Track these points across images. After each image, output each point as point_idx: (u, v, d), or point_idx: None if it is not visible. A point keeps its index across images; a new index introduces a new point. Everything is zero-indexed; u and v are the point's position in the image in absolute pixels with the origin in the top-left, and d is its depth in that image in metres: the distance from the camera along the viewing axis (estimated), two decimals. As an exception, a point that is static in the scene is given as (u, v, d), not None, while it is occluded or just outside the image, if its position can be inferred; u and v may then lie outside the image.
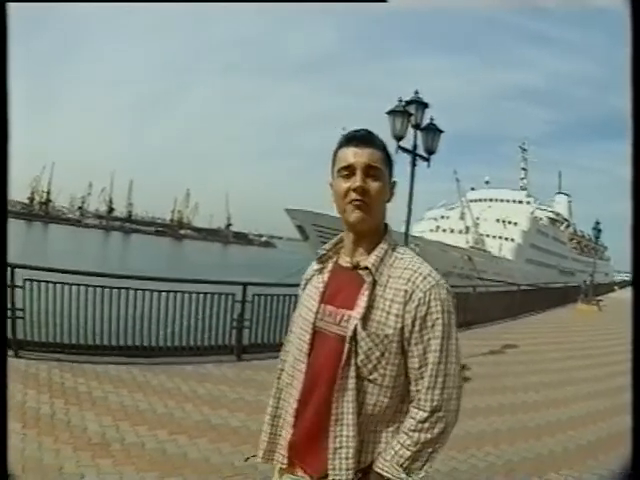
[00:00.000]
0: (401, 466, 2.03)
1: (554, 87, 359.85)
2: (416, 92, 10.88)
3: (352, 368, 2.07)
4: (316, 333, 2.21)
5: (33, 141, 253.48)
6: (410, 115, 10.59)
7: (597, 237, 45.41)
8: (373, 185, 2.11)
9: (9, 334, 8.55)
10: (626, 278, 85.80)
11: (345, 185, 2.12)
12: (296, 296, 2.64)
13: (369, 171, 2.11)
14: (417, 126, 10.80)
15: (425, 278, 2.09)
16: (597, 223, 42.78)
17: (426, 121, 11.01)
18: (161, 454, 5.45)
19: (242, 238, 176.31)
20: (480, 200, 71.80)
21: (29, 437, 5.54)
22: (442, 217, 67.63)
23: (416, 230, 60.79)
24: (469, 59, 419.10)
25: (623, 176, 1.86)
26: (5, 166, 1.87)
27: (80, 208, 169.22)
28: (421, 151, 10.99)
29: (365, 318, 2.07)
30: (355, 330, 2.06)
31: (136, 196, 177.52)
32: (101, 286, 9.19)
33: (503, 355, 13.17)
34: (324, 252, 2.34)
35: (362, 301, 2.09)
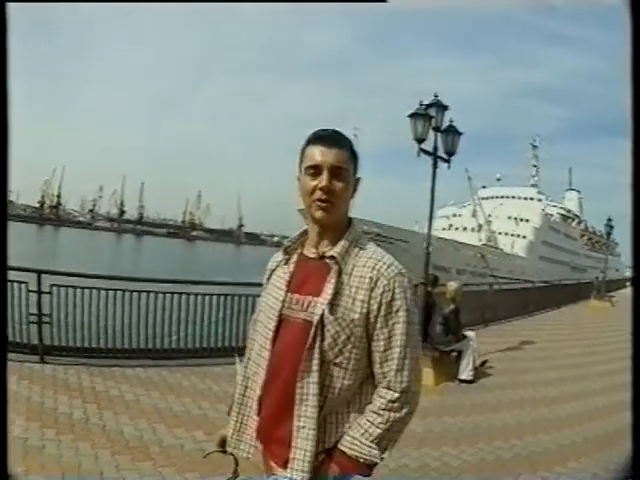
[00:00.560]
0: (372, 442, 2.14)
1: (565, 84, 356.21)
2: (435, 95, 11.04)
3: (317, 351, 2.14)
4: (282, 321, 2.28)
5: (44, 145, 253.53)
6: (431, 118, 10.74)
7: (609, 233, 45.21)
8: (338, 185, 2.19)
9: (36, 340, 8.68)
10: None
11: (312, 183, 2.20)
12: None
13: (335, 171, 2.19)
14: (437, 128, 10.92)
15: (389, 267, 2.20)
16: (609, 220, 42.66)
17: (446, 123, 11.14)
18: (201, 454, 5.14)
19: (254, 238, 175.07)
20: (492, 198, 71.79)
21: (65, 443, 5.53)
22: (454, 215, 67.72)
23: (429, 228, 61.23)
24: (480, 58, 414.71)
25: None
26: (5, 167, 1.85)
27: (91, 211, 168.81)
28: (441, 152, 11.08)
29: (332, 304, 2.15)
30: (322, 315, 2.14)
31: (147, 198, 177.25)
32: (125, 290, 9.23)
33: (521, 351, 13.38)
34: (289, 244, 2.42)
35: (329, 288, 2.17)
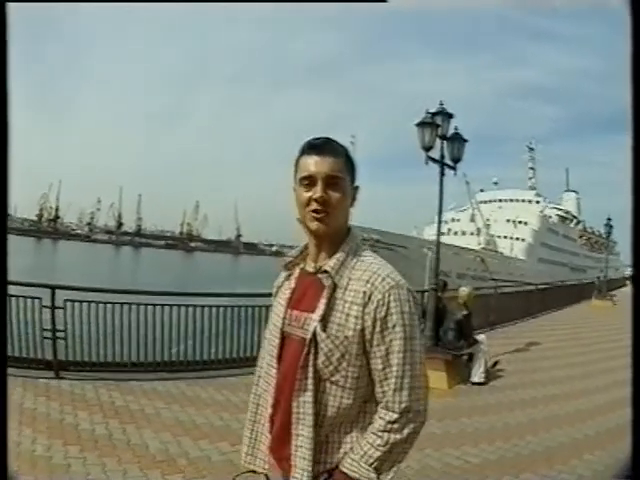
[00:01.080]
0: (370, 466, 2.06)
1: (560, 84, 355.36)
2: (441, 103, 11.27)
3: (311, 369, 2.09)
4: (285, 338, 2.24)
5: (41, 158, 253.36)
6: (438, 126, 10.94)
7: (609, 233, 45.43)
8: (334, 195, 2.13)
9: (50, 355, 8.65)
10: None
11: (306, 195, 2.14)
12: None
13: (330, 180, 2.13)
14: (443, 136, 11.11)
15: (384, 279, 2.11)
16: (608, 219, 42.94)
17: (451, 131, 11.32)
18: (229, 465, 5.43)
19: (252, 248, 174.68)
20: (490, 201, 72.15)
21: (90, 460, 5.49)
22: (453, 220, 67.34)
23: (428, 234, 60.99)
24: (475, 59, 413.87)
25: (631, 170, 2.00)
26: (5, 177, 1.89)
27: (89, 224, 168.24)
28: (445, 159, 11.23)
29: (325, 320, 2.09)
30: (315, 332, 2.09)
31: (145, 210, 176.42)
32: (136, 303, 9.24)
33: (528, 352, 13.61)
34: (290, 259, 2.38)
35: (322, 303, 2.11)
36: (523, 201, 73.47)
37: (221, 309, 9.92)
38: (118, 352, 9.25)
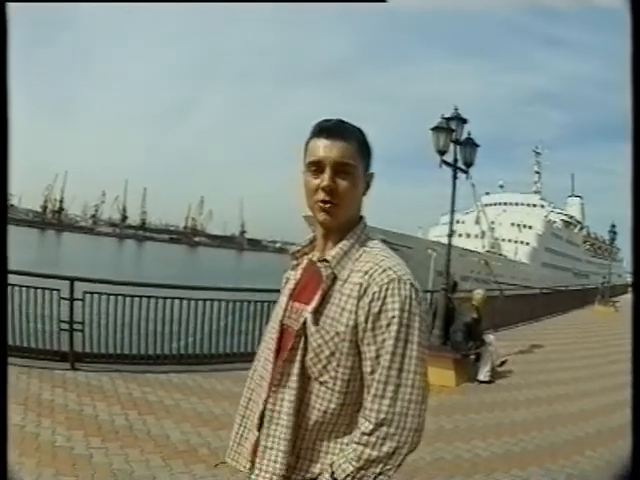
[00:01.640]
0: (345, 478, 1.84)
1: (567, 89, 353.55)
2: (455, 108, 11.52)
3: (297, 365, 1.95)
4: (284, 331, 2.09)
5: (46, 150, 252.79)
6: (452, 131, 11.21)
7: (613, 239, 45.56)
8: (342, 184, 1.96)
9: (64, 347, 8.73)
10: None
11: (314, 182, 1.98)
12: None
13: (339, 168, 1.96)
14: (456, 141, 11.37)
15: (384, 271, 1.89)
16: (613, 226, 43.03)
17: (464, 135, 11.59)
18: None
19: (256, 245, 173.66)
20: (495, 204, 72.06)
21: (112, 450, 5.55)
22: (458, 222, 66.17)
23: (433, 235, 61.06)
24: (483, 63, 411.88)
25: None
26: (5, 170, 1.85)
27: (93, 216, 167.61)
28: (456, 163, 11.51)
29: (319, 313, 1.94)
30: (305, 325, 1.96)
31: (150, 204, 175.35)
32: (154, 296, 9.28)
33: (532, 354, 13.89)
34: (298, 248, 2.25)
35: (317, 295, 1.96)
36: (528, 205, 73.40)
37: (230, 303, 9.97)
38: (135, 344, 9.27)
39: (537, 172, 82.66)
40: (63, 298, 8.65)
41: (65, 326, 8.69)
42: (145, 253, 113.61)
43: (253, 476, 1.99)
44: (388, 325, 1.83)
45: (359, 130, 2.07)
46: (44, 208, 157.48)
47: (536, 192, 78.73)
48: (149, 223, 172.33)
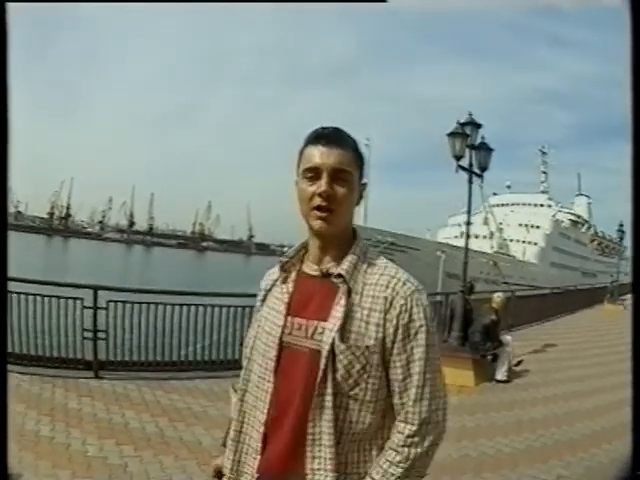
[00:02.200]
0: None
1: (573, 89, 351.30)
2: (470, 114, 11.76)
3: (330, 384, 1.91)
4: (284, 349, 2.04)
5: (53, 156, 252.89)
6: (468, 136, 11.43)
7: (621, 238, 45.69)
8: (340, 190, 1.97)
9: (89, 355, 8.73)
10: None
11: (310, 189, 1.98)
12: None
13: (336, 174, 1.97)
14: (471, 145, 11.60)
15: (405, 284, 1.98)
16: (621, 225, 43.25)
17: (478, 140, 11.81)
18: None
19: (264, 249, 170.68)
20: (502, 205, 72.00)
21: (146, 459, 5.59)
22: (465, 223, 65.53)
23: (441, 236, 61.11)
24: (489, 63, 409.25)
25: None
26: (5, 175, 1.88)
27: (101, 222, 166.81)
28: (471, 167, 11.75)
29: (342, 329, 1.92)
30: (333, 343, 1.92)
31: (157, 209, 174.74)
32: (170, 303, 9.30)
33: (546, 353, 14.15)
34: (287, 260, 2.18)
35: (337, 311, 1.94)
36: (535, 205, 73.28)
37: (247, 309, 9.57)
38: (159, 351, 9.38)
39: (544, 172, 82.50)
40: (86, 307, 8.72)
41: (89, 335, 8.76)
42: (154, 259, 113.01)
43: None
44: (416, 334, 1.93)
45: (354, 139, 2.10)
46: (51, 215, 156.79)
47: (543, 192, 78.54)
48: (156, 228, 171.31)
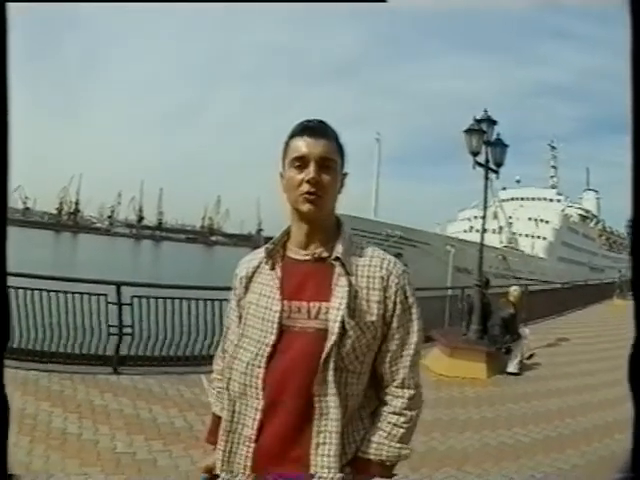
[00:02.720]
0: (398, 442, 2.12)
1: (582, 83, 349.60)
2: (485, 110, 11.96)
3: (333, 359, 2.02)
4: (282, 333, 2.11)
5: (61, 152, 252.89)
6: (484, 133, 11.62)
7: (629, 234, 45.85)
8: (326, 177, 2.09)
9: (109, 351, 8.84)
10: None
11: (298, 177, 2.09)
12: None
13: (323, 162, 2.09)
14: (487, 142, 11.79)
15: (395, 264, 2.18)
16: (629, 220, 43.40)
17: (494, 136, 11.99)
18: None
19: None
20: (512, 199, 71.85)
21: (176, 453, 5.63)
22: (475, 217, 66.07)
23: (450, 231, 61.09)
24: (496, 58, 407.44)
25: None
26: (5, 170, 1.72)
27: (110, 217, 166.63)
28: (488, 163, 11.95)
29: (347, 307, 2.04)
30: (342, 321, 2.03)
31: (166, 204, 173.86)
32: (189, 298, 9.38)
33: (559, 347, 14.42)
34: (272, 247, 2.25)
35: (339, 292, 2.06)
36: (544, 200, 73.27)
37: None
38: (182, 346, 9.46)
39: (553, 167, 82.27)
40: (110, 303, 8.82)
41: (112, 330, 8.87)
42: (164, 253, 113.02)
43: (312, 469, 2.02)
44: (410, 308, 2.15)
45: (336, 132, 2.21)
46: (59, 210, 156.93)
47: (552, 186, 78.25)
48: (165, 223, 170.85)
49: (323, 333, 2.04)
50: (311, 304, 2.09)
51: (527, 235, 64.82)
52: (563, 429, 7.54)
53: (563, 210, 70.66)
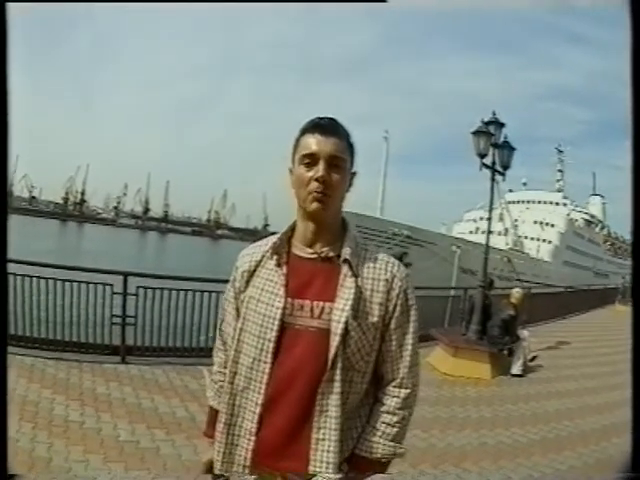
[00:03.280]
0: (391, 442, 2.17)
1: (591, 87, 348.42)
2: (493, 113, 11.96)
3: (340, 359, 2.05)
4: (283, 329, 2.12)
5: (68, 143, 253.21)
6: (492, 135, 11.62)
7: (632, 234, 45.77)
8: (335, 176, 2.09)
9: (116, 341, 8.81)
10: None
11: (307, 174, 2.09)
12: None
13: (332, 161, 2.09)
14: (494, 144, 11.79)
15: (399, 267, 2.21)
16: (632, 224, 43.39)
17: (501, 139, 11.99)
18: None
19: None
20: (518, 202, 71.43)
21: (178, 442, 5.67)
22: (481, 218, 64.79)
23: (456, 231, 60.98)
24: (506, 59, 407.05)
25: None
26: (5, 166, 1.88)
27: (115, 208, 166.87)
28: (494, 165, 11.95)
29: (351, 308, 2.06)
30: (346, 321, 2.05)
31: (172, 197, 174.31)
32: (195, 290, 9.32)
33: (559, 350, 14.44)
34: (278, 243, 2.25)
35: (345, 292, 2.08)
36: (550, 203, 72.70)
37: None
38: (187, 337, 9.52)
39: (560, 170, 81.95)
40: (116, 293, 8.80)
41: (117, 320, 8.87)
42: (169, 245, 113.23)
43: (311, 467, 2.06)
44: (409, 310, 2.19)
45: (347, 130, 2.20)
46: (65, 200, 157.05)
47: (558, 190, 78.02)
48: (172, 215, 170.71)
49: (326, 333, 2.07)
50: (315, 303, 2.11)
51: (532, 238, 64.52)
52: (560, 431, 7.62)
53: (569, 214, 70.18)
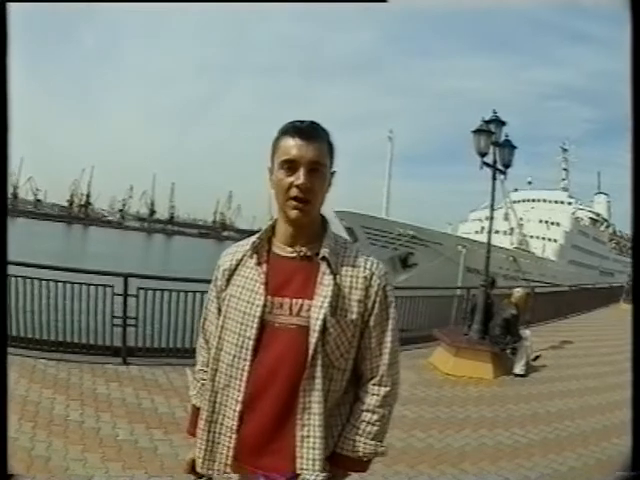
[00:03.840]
0: (373, 440, 2.20)
1: (595, 86, 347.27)
2: (494, 111, 11.92)
3: (320, 356, 2.08)
4: (263, 327, 2.16)
5: (73, 144, 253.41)
6: (493, 134, 11.59)
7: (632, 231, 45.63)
8: (316, 183, 2.10)
9: (117, 342, 8.85)
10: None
11: (287, 180, 2.09)
12: None
13: (313, 166, 2.09)
14: (495, 143, 11.76)
15: (377, 265, 2.23)
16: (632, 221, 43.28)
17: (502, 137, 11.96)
18: None
19: None
20: (523, 201, 71.11)
21: (176, 442, 5.64)
22: (486, 218, 64.40)
23: (462, 231, 60.78)
24: (510, 58, 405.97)
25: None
26: (5, 167, 1.89)
27: (121, 210, 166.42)
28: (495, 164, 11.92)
29: (329, 306, 2.09)
30: (324, 318, 2.08)
31: (178, 199, 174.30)
32: (198, 291, 9.05)
33: (563, 350, 14.36)
34: (258, 242, 2.27)
35: (323, 290, 2.11)
36: (556, 202, 72.20)
37: None
38: (187, 338, 9.37)
39: (565, 169, 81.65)
40: (117, 294, 8.81)
41: (118, 322, 8.88)
42: (175, 247, 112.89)
43: (298, 464, 2.10)
44: (387, 308, 2.23)
45: (327, 132, 2.20)
46: (70, 202, 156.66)
47: (564, 189, 77.68)
48: (177, 217, 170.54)
49: (305, 330, 2.10)
50: (294, 301, 2.15)
51: (538, 237, 64.05)
52: (561, 431, 7.58)
53: (574, 213, 69.87)
